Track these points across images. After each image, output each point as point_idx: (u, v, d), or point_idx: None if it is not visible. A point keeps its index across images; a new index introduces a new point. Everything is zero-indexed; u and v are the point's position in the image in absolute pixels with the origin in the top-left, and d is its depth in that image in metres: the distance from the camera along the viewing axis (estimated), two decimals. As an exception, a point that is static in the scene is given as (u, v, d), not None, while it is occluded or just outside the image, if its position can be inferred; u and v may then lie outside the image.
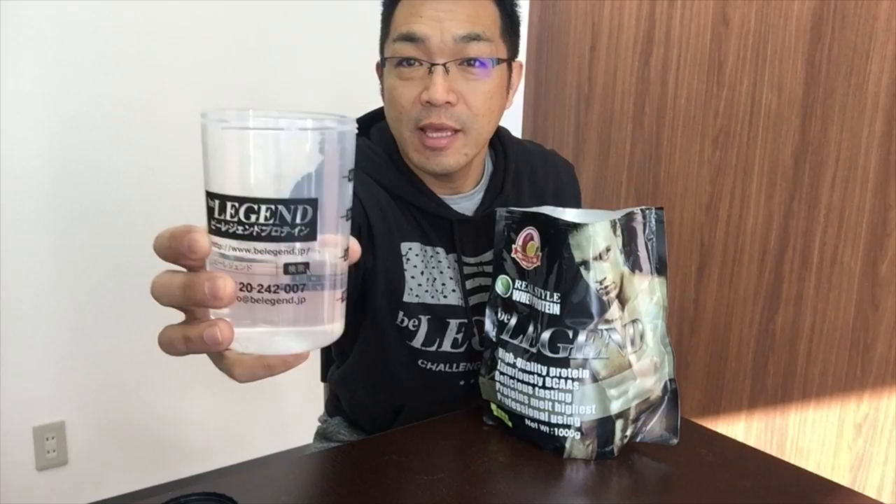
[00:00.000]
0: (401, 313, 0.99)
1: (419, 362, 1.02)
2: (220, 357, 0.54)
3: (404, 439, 0.95)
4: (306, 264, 0.44)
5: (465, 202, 1.03)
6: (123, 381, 1.99)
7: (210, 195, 0.45)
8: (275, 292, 0.43)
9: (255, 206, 0.42)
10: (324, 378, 1.41)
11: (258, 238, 0.42)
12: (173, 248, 0.47)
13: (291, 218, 0.42)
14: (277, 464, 0.88)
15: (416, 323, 1.00)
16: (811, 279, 1.73)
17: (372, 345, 1.02)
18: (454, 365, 1.03)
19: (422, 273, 0.99)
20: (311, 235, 0.43)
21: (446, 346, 1.02)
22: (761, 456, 0.92)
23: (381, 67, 0.97)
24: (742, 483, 0.85)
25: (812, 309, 1.73)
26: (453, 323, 1.02)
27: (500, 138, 1.08)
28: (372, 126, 1.04)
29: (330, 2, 2.10)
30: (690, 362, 2.02)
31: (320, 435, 1.27)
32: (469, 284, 1.02)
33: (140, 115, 1.90)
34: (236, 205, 0.43)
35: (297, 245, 0.43)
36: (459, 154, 0.94)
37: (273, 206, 0.42)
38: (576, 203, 1.15)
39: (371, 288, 0.97)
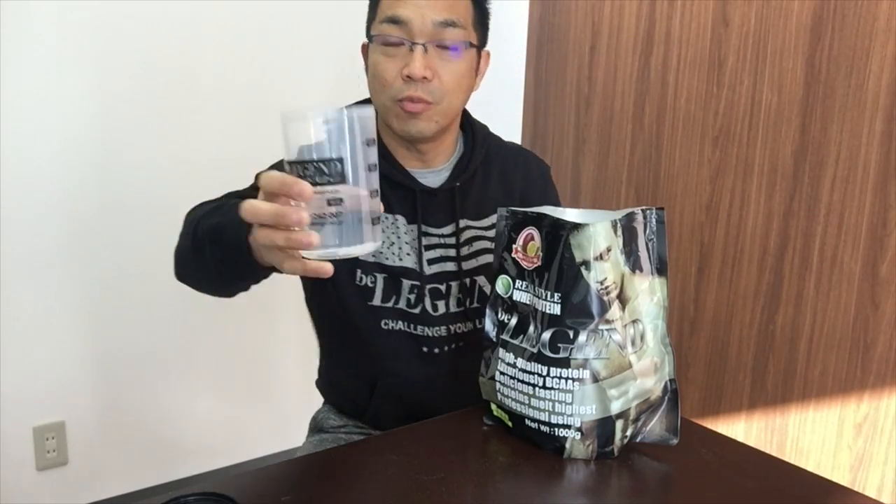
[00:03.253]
0: (358, 271, 1.09)
1: (382, 323, 1.11)
2: (278, 254, 0.71)
3: (404, 439, 0.95)
4: (340, 199, 0.66)
5: (433, 177, 1.14)
6: (123, 381, 1.99)
7: (287, 162, 0.67)
8: (323, 218, 0.66)
9: (307, 165, 0.65)
10: (321, 392, 1.42)
11: (312, 184, 0.64)
12: (285, 188, 0.65)
13: (328, 170, 0.65)
14: (277, 464, 0.88)
15: (373, 280, 1.10)
16: (811, 279, 1.73)
17: (337, 310, 1.12)
18: (412, 325, 1.12)
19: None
20: (342, 181, 0.66)
21: (402, 304, 1.11)
22: (761, 456, 0.92)
23: (366, 47, 1.09)
24: (742, 483, 0.85)
25: (812, 309, 1.73)
26: (406, 283, 1.11)
27: (472, 126, 1.19)
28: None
29: (330, 2, 2.10)
30: (690, 362, 2.02)
31: (313, 429, 1.30)
32: (430, 255, 1.12)
33: (140, 115, 1.90)
34: (297, 165, 0.65)
35: (333, 187, 0.65)
36: (431, 121, 1.06)
37: (315, 164, 0.65)
38: (549, 201, 1.22)
39: None
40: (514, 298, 0.93)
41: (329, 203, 0.66)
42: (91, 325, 1.92)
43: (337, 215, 0.66)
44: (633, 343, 0.89)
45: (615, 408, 0.87)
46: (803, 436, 1.77)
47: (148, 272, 1.97)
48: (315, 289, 1.18)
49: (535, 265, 0.90)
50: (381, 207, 0.71)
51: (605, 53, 2.21)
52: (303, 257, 0.69)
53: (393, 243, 1.11)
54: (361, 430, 1.22)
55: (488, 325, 0.96)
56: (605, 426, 0.88)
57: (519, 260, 0.92)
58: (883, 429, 1.62)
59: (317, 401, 1.36)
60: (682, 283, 2.02)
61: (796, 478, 0.88)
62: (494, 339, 0.96)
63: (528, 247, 0.91)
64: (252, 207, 0.67)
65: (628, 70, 2.14)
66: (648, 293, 0.90)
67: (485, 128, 1.21)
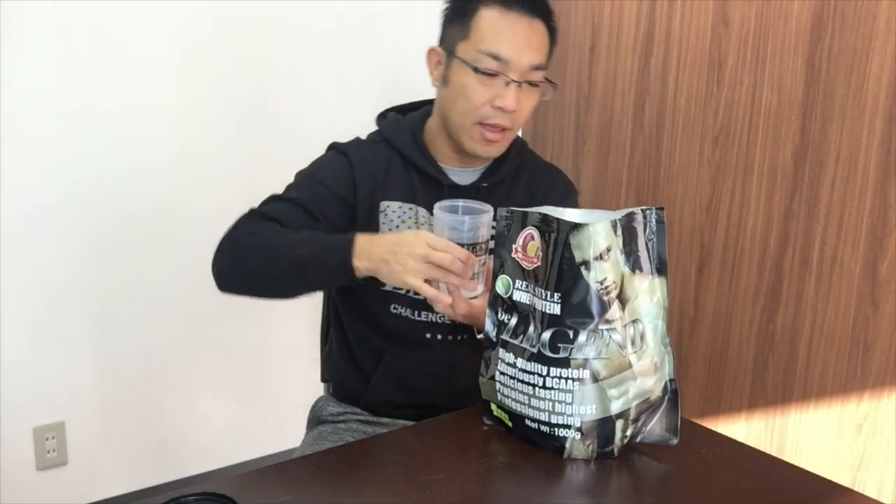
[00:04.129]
0: None
1: (391, 308, 1.20)
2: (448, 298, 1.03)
3: (404, 439, 0.95)
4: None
5: (465, 175, 1.23)
6: (123, 381, 1.99)
7: (467, 244, 1.02)
8: (475, 276, 1.03)
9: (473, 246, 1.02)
10: (324, 378, 1.43)
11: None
12: (468, 260, 1.00)
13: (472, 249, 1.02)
14: (277, 464, 0.88)
15: None
16: (811, 279, 1.73)
17: (351, 290, 1.22)
18: (419, 312, 1.19)
19: (397, 227, 1.19)
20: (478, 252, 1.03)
21: (411, 291, 1.15)
22: (761, 456, 0.92)
23: (438, 54, 1.18)
24: (742, 483, 0.85)
25: (812, 309, 1.73)
26: None
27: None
28: (409, 111, 1.28)
29: (330, 2, 2.10)
30: (690, 362, 2.02)
31: (311, 421, 1.34)
32: None
33: (143, 116, 1.90)
34: (468, 246, 1.01)
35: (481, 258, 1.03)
36: (503, 146, 1.19)
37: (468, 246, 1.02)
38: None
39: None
40: (514, 298, 0.93)
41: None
42: (91, 325, 1.92)
43: (475, 276, 1.03)
44: (633, 343, 0.89)
45: (615, 408, 0.87)
46: (803, 436, 1.77)
47: (148, 272, 1.97)
48: None
49: (535, 265, 0.90)
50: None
51: (605, 53, 2.21)
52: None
53: None
54: (359, 417, 1.25)
55: (488, 325, 0.97)
56: (605, 426, 0.88)
57: (519, 260, 0.92)
58: (883, 429, 1.62)
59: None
60: (682, 283, 2.02)
61: (796, 478, 0.88)
62: (494, 339, 0.96)
63: (528, 247, 0.91)
64: (442, 260, 0.97)
65: (628, 70, 2.14)
66: (648, 293, 0.90)
67: (524, 142, 1.30)
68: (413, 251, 0.97)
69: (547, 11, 1.17)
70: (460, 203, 1.06)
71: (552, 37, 1.18)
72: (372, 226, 1.19)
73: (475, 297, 1.03)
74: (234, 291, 1.15)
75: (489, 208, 1.04)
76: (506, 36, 1.11)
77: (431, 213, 1.17)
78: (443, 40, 1.18)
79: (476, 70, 1.11)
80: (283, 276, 1.09)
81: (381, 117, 1.28)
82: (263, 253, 1.09)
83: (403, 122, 1.24)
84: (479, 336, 1.05)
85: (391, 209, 1.20)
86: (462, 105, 1.13)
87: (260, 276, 1.11)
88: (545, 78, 1.17)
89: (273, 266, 1.08)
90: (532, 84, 1.14)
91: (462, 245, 1.00)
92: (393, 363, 1.22)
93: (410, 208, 1.20)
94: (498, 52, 1.10)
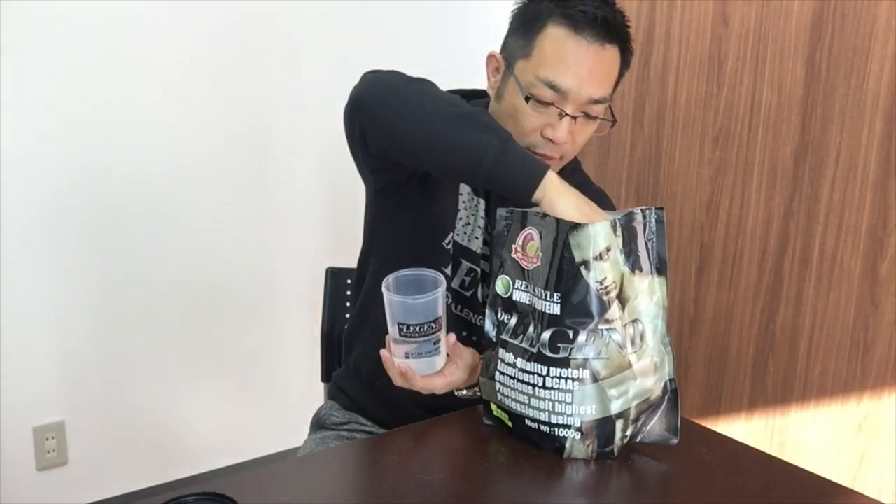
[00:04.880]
0: (450, 234, 1.12)
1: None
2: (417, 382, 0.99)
3: (404, 439, 0.95)
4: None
5: None
6: (123, 381, 1.99)
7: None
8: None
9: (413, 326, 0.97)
10: (324, 378, 1.42)
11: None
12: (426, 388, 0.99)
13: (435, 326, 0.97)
14: (277, 464, 0.88)
15: (455, 251, 1.12)
16: (811, 279, 1.73)
17: (412, 255, 1.09)
18: (458, 307, 1.14)
19: (463, 211, 1.13)
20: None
21: (455, 285, 1.13)
22: (761, 456, 0.92)
23: (501, 65, 1.07)
24: (742, 483, 0.85)
25: (812, 309, 1.73)
26: (465, 265, 1.13)
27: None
28: (472, 99, 1.14)
29: (331, 2, 2.10)
30: (690, 362, 2.02)
31: (314, 426, 1.29)
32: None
33: (142, 115, 1.90)
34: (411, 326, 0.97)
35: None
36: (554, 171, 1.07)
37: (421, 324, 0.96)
38: None
39: (421, 206, 1.11)
40: (514, 298, 0.93)
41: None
42: (91, 324, 1.92)
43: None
44: (632, 343, 0.89)
45: (615, 408, 0.87)
46: (803, 436, 1.77)
47: (149, 272, 1.97)
48: (397, 228, 1.16)
49: (535, 265, 0.90)
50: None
51: (605, 53, 2.21)
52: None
53: (469, 223, 1.13)
54: (363, 427, 1.23)
55: (488, 326, 0.96)
56: (605, 426, 0.88)
57: (518, 260, 0.92)
58: (883, 429, 1.62)
59: (317, 400, 1.36)
60: (682, 283, 2.02)
61: (796, 478, 0.88)
62: (494, 339, 0.96)
63: (528, 247, 0.91)
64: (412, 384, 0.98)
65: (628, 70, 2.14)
66: (648, 293, 0.90)
67: (578, 163, 1.23)
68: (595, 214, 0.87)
69: (623, 36, 1.04)
70: (412, 276, 0.98)
71: (625, 62, 1.06)
72: (452, 195, 1.12)
73: (432, 375, 0.99)
74: (379, 112, 1.00)
75: (442, 280, 0.96)
76: (568, 64, 1.00)
77: (490, 209, 1.12)
78: (504, 47, 1.09)
79: (528, 99, 1.02)
80: (466, 124, 0.93)
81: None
82: (440, 104, 0.96)
83: (473, 105, 1.13)
84: (460, 394, 1.03)
85: (462, 192, 1.13)
86: (511, 127, 1.02)
87: (437, 105, 0.96)
88: (609, 108, 1.07)
89: (456, 106, 0.95)
90: (589, 116, 1.04)
91: (412, 325, 0.94)
92: None
93: (473, 199, 1.13)
94: (556, 83, 1.00)
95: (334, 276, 1.45)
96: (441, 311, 0.96)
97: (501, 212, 0.95)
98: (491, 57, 1.10)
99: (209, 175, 2.02)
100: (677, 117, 2.01)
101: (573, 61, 1.00)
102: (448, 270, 1.12)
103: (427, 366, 0.98)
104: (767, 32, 1.78)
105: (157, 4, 1.86)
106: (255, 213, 2.11)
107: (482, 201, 1.13)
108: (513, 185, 0.91)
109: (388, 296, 0.96)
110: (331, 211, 2.20)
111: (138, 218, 1.93)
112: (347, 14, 2.14)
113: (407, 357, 0.97)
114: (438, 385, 0.99)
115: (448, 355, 1.01)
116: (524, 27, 1.04)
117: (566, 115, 1.01)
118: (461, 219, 1.13)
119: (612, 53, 1.03)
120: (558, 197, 0.88)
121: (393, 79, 1.02)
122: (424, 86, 1.00)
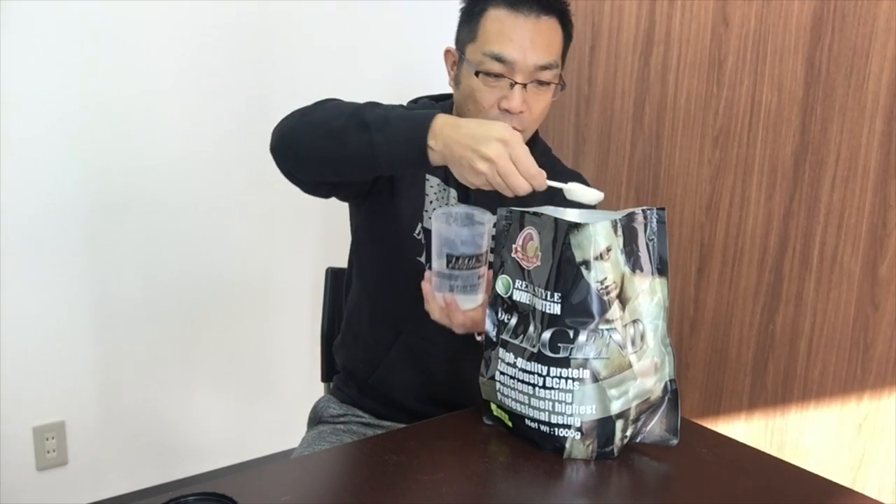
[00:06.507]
0: (419, 225, 1.18)
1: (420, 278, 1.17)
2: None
3: (404, 439, 0.95)
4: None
5: None
6: (123, 381, 1.99)
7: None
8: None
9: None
10: (324, 378, 1.43)
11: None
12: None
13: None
14: (277, 464, 0.88)
15: (426, 239, 1.17)
16: (811, 279, 1.73)
17: (384, 253, 1.21)
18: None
19: (435, 202, 1.19)
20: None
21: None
22: (761, 456, 0.92)
23: (455, 57, 1.17)
24: (742, 483, 0.85)
25: (812, 309, 1.73)
26: None
27: (534, 142, 1.26)
28: (439, 101, 1.26)
29: (332, 1, 2.10)
30: (690, 362, 2.02)
31: (312, 420, 1.34)
32: None
33: (142, 115, 1.90)
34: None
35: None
36: None
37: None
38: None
39: (389, 205, 1.19)
40: (514, 298, 0.93)
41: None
42: (91, 324, 1.92)
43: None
44: (633, 343, 0.89)
45: (615, 408, 0.87)
46: (803, 436, 1.77)
47: (148, 272, 1.97)
48: (370, 231, 1.24)
49: (535, 265, 0.90)
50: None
51: (605, 53, 2.21)
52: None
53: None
54: (361, 419, 1.24)
55: (488, 325, 0.96)
56: (605, 426, 0.88)
57: (518, 260, 0.92)
58: (883, 429, 1.62)
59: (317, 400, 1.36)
60: (682, 283, 2.02)
61: (796, 478, 0.88)
62: (494, 339, 0.96)
63: (528, 247, 0.91)
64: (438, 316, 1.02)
65: (628, 70, 2.14)
66: (649, 293, 0.90)
67: (547, 149, 1.31)
68: (489, 153, 0.89)
69: (559, 7, 1.13)
70: (462, 210, 1.02)
71: (566, 32, 1.15)
72: (417, 188, 1.18)
73: (474, 309, 1.02)
74: (285, 151, 1.08)
75: (489, 217, 1.00)
76: (509, 36, 1.09)
77: (460, 200, 1.18)
78: (456, 40, 1.17)
79: (478, 73, 1.10)
80: (345, 133, 0.99)
81: (413, 102, 1.26)
82: (332, 110, 1.03)
83: (438, 108, 1.20)
84: (479, 338, 1.04)
85: (431, 184, 1.19)
86: (471, 108, 1.13)
87: (321, 128, 1.03)
88: (559, 76, 1.14)
89: (337, 117, 1.00)
90: (542, 83, 1.12)
91: (461, 257, 0.98)
92: (410, 343, 1.20)
93: (444, 189, 1.19)
94: (501, 54, 1.09)
95: (334, 276, 1.45)
96: (486, 246, 0.99)
97: (502, 212, 0.95)
98: (447, 52, 1.19)
99: (209, 175, 2.02)
100: (677, 117, 2.01)
101: (513, 34, 1.09)
102: (422, 259, 1.18)
103: (469, 301, 1.01)
104: (767, 32, 1.78)
105: (158, 4, 1.86)
106: (255, 213, 2.11)
107: (453, 190, 1.19)
108: (409, 155, 0.95)
109: (437, 226, 1.00)
110: (331, 211, 2.19)
111: (139, 218, 1.94)
112: (347, 14, 2.14)
113: (451, 291, 1.01)
114: (478, 320, 1.01)
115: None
116: (468, 15, 1.14)
117: (516, 83, 1.09)
118: (431, 203, 1.19)
119: (550, 23, 1.11)
120: (454, 131, 0.92)
121: (287, 122, 1.09)
122: (315, 112, 1.06)
